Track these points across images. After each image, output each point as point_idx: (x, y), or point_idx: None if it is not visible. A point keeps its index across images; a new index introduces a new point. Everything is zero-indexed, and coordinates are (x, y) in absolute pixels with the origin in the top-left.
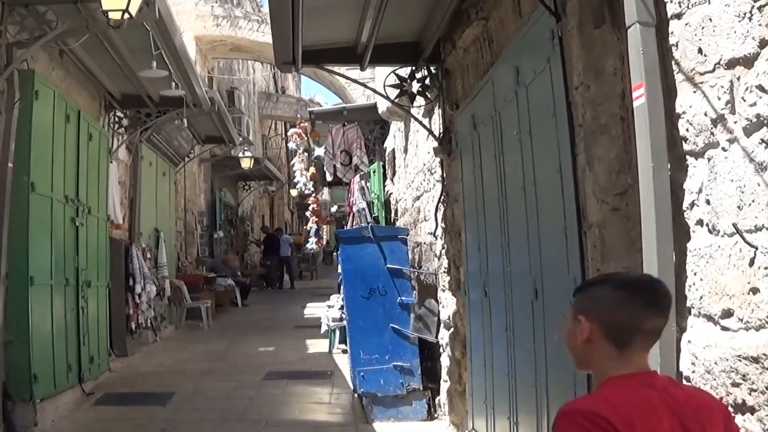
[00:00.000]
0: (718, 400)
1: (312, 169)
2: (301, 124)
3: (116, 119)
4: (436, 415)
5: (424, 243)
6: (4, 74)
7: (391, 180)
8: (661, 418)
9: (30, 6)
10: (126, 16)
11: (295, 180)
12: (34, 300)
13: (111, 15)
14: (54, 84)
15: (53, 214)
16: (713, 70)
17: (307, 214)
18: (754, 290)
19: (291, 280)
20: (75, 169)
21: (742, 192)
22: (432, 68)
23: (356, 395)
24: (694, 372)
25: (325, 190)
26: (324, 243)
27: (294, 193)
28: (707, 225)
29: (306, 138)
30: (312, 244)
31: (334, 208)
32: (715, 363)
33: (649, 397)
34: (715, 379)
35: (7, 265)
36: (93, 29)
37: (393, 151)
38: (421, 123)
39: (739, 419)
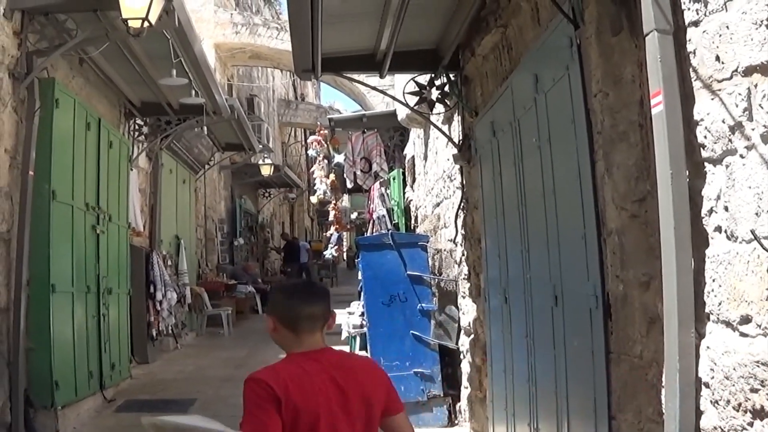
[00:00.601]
0: (382, 371)
1: (332, 176)
2: (321, 132)
3: (136, 127)
4: (456, 422)
5: (444, 250)
6: (25, 82)
7: (411, 187)
8: (314, 382)
9: (50, 15)
10: (146, 24)
11: (315, 187)
12: (56, 307)
13: (131, 23)
14: (74, 92)
15: (74, 222)
16: (731, 78)
17: (330, 219)
18: None
19: None
20: (96, 177)
21: (760, 199)
22: (451, 75)
23: None
24: (713, 378)
25: (345, 196)
26: (345, 250)
27: (314, 200)
28: (725, 231)
29: (326, 145)
30: (331, 251)
31: (354, 215)
32: (734, 369)
33: (307, 367)
34: (733, 385)
35: (28, 272)
36: (113, 37)
37: (413, 158)
38: (440, 130)
39: (758, 425)
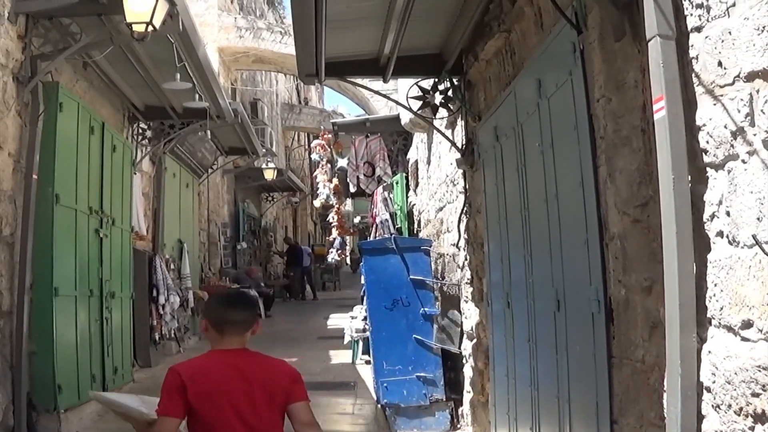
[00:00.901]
0: (289, 369)
1: (335, 181)
2: (325, 136)
3: (140, 131)
4: (458, 426)
5: (447, 254)
6: (29, 86)
7: (414, 191)
8: (224, 372)
9: (54, 19)
10: (150, 28)
11: (318, 192)
12: (59, 311)
13: (135, 27)
14: (78, 96)
15: (77, 226)
16: (733, 83)
17: (331, 223)
18: None
19: (312, 290)
20: (99, 181)
21: (762, 204)
22: (454, 80)
23: (379, 406)
24: (714, 382)
25: (348, 201)
26: (348, 254)
27: (317, 204)
28: (727, 236)
29: (329, 149)
30: (334, 256)
31: (357, 219)
32: (735, 373)
33: (217, 362)
34: (735, 390)
35: (31, 276)
36: (117, 41)
37: (416, 162)
38: (443, 134)
39: (759, 429)
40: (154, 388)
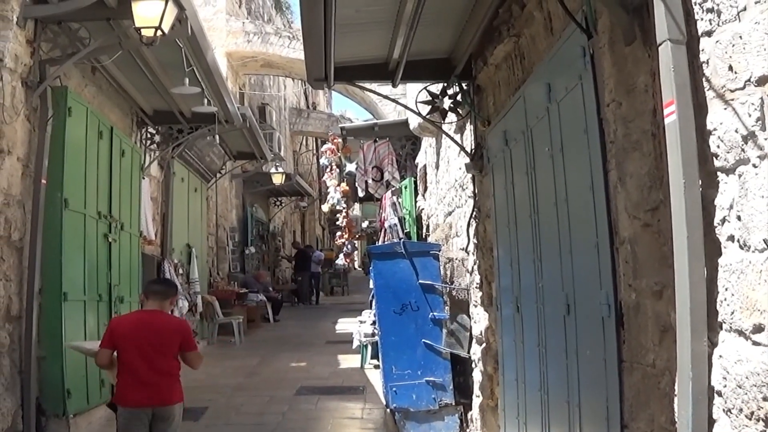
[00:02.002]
0: (182, 325)
1: (344, 185)
2: (335, 140)
3: (148, 135)
4: (468, 430)
5: (456, 258)
6: (38, 91)
7: (423, 196)
8: (140, 322)
9: (63, 23)
10: (159, 33)
11: (329, 196)
12: (68, 315)
13: (144, 32)
14: (86, 100)
15: (86, 230)
16: (744, 87)
17: (341, 225)
18: None
19: (317, 295)
20: (108, 186)
21: None
22: (464, 84)
23: (388, 410)
24: (725, 386)
25: (356, 205)
26: (356, 258)
27: (325, 208)
28: (738, 241)
29: (338, 154)
30: (341, 260)
31: (365, 224)
32: (747, 377)
33: (137, 317)
34: (746, 394)
35: (40, 280)
36: (125, 46)
37: (424, 167)
38: (452, 139)
39: None
40: None
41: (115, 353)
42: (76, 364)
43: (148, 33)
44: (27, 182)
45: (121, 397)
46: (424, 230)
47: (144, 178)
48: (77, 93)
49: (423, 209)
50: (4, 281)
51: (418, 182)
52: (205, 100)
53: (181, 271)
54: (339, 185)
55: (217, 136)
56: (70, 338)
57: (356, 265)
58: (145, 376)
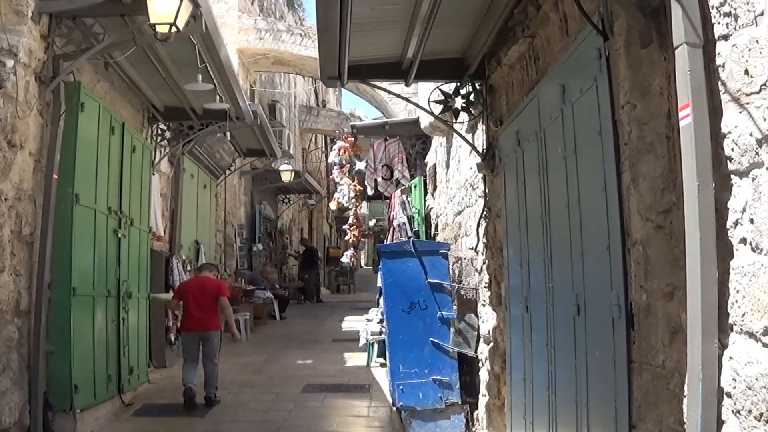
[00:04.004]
0: (217, 283)
1: (355, 183)
2: (348, 138)
3: (159, 131)
4: (474, 429)
5: (465, 258)
6: (51, 86)
7: (432, 195)
8: (193, 283)
9: (77, 19)
10: (173, 29)
11: (342, 193)
12: (76, 311)
13: (158, 28)
14: (99, 96)
15: (96, 226)
16: (759, 91)
17: (346, 227)
18: None
19: (317, 291)
20: (118, 181)
21: None
22: (476, 84)
23: (395, 408)
24: (735, 388)
25: (364, 203)
26: (360, 256)
27: (333, 206)
28: (750, 243)
29: (349, 152)
30: (347, 258)
31: (372, 222)
32: (756, 379)
33: (191, 281)
34: (755, 395)
35: (50, 275)
36: (139, 42)
37: (434, 166)
38: (464, 139)
39: None
40: (169, 389)
41: (180, 302)
42: (84, 360)
43: (162, 29)
44: (38, 177)
45: (183, 326)
46: (433, 229)
47: (154, 174)
48: (90, 88)
49: (432, 208)
50: (14, 276)
51: (428, 181)
52: (217, 97)
53: (189, 267)
54: (353, 183)
55: (228, 133)
56: (78, 334)
57: (362, 263)
58: (196, 313)
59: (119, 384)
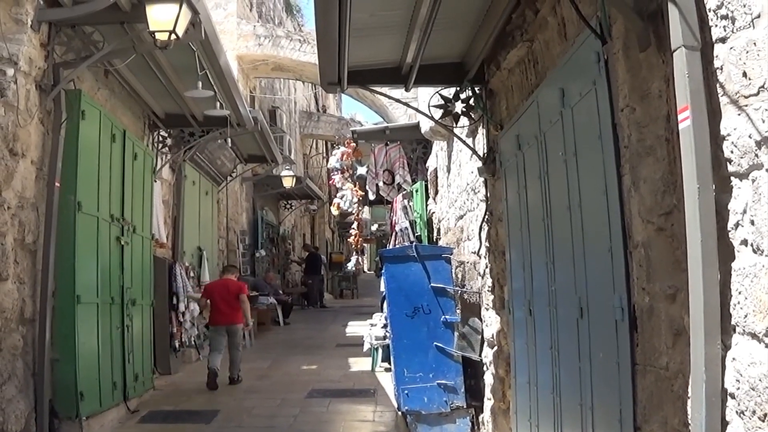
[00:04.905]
0: (239, 285)
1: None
2: (350, 144)
3: (160, 138)
4: None
5: (468, 262)
6: (52, 94)
7: (434, 199)
8: (218, 284)
9: (77, 27)
10: (173, 36)
11: (344, 199)
12: (81, 318)
13: (158, 35)
14: (100, 104)
15: (99, 233)
16: (757, 93)
17: (354, 229)
18: None
19: (321, 297)
20: (120, 189)
21: None
22: (476, 89)
23: (400, 413)
24: (738, 389)
25: (366, 208)
26: (363, 261)
27: (334, 211)
28: (752, 245)
29: (352, 157)
30: (352, 264)
31: (374, 227)
32: (760, 380)
33: (216, 282)
34: (759, 396)
35: (54, 283)
36: (139, 49)
37: (435, 170)
38: (465, 143)
39: None
40: (174, 395)
41: (208, 300)
42: (89, 367)
43: (162, 36)
44: (41, 185)
45: (212, 321)
46: (435, 234)
47: (156, 181)
48: (90, 96)
49: (434, 212)
50: (18, 284)
51: (429, 186)
52: (218, 104)
53: (192, 274)
54: (355, 188)
55: (229, 140)
56: (83, 342)
57: (365, 269)
58: (222, 309)
59: (124, 391)
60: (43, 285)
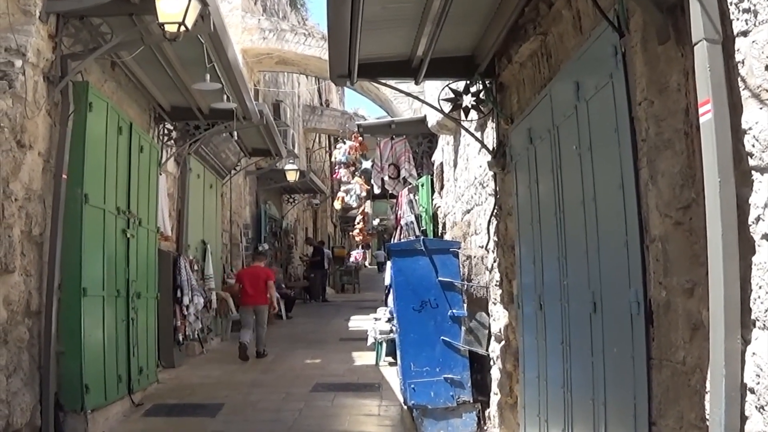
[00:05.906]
0: (267, 271)
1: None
2: (357, 138)
3: (165, 131)
4: (485, 428)
5: (475, 256)
6: (59, 86)
7: (439, 193)
8: (249, 271)
9: (85, 18)
10: (182, 28)
11: (351, 193)
12: (86, 311)
13: (167, 27)
14: (106, 96)
15: (105, 226)
16: None
17: (356, 230)
18: None
19: (323, 291)
20: (126, 181)
21: None
22: (487, 82)
23: (406, 407)
24: (758, 384)
25: (368, 203)
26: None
27: (337, 206)
28: None
29: (358, 151)
30: (354, 258)
31: (376, 221)
32: None
33: (247, 269)
34: None
35: (60, 276)
36: (147, 42)
37: (441, 164)
38: (474, 137)
39: None
40: (179, 389)
41: (240, 285)
42: (94, 360)
43: (171, 29)
44: (48, 177)
45: (242, 301)
46: (440, 228)
47: (161, 174)
48: (97, 88)
49: (439, 207)
50: (25, 276)
51: (435, 180)
52: (225, 97)
53: (196, 267)
54: (362, 178)
55: (234, 133)
56: (89, 335)
57: (367, 263)
58: (250, 292)
59: (129, 384)
60: (49, 277)
